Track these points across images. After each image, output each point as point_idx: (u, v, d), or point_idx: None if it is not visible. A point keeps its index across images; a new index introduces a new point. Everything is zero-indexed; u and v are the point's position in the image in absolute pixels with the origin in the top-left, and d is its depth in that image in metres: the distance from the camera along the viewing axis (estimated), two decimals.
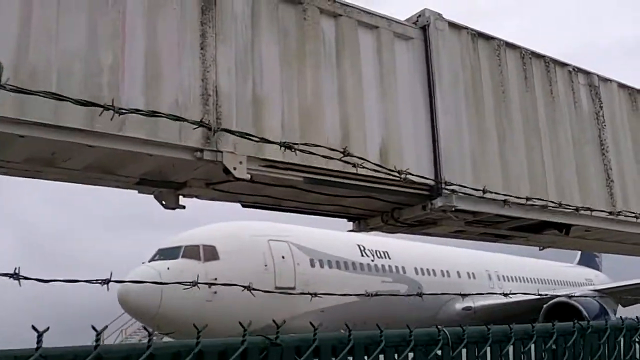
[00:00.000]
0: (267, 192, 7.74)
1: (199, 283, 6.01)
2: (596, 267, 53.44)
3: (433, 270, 29.17)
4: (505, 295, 6.91)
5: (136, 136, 6.05)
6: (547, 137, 9.37)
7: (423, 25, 8.49)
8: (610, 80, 10.69)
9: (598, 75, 10.48)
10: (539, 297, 26.09)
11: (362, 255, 25.82)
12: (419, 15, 8.56)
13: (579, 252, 49.68)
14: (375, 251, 26.55)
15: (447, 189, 7.87)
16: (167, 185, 7.32)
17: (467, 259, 32.30)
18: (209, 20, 6.66)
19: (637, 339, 4.27)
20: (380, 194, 8.10)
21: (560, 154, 9.45)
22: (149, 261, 21.26)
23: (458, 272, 30.73)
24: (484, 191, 7.79)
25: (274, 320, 2.61)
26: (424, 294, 6.23)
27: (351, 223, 9.40)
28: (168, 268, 20.03)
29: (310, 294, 5.88)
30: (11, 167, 6.44)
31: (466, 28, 8.90)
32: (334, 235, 24.56)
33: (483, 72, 8.88)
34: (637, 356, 4.26)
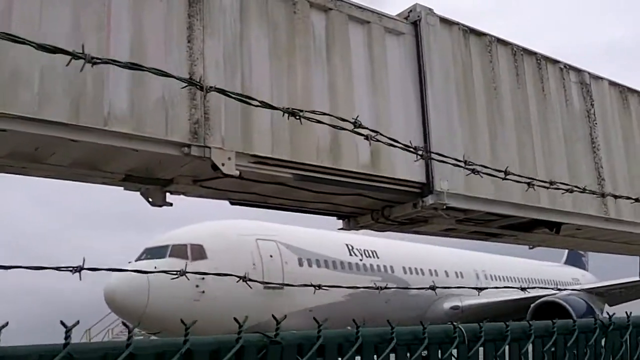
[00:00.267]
0: (256, 189, 7.61)
1: (187, 273, 5.78)
2: (583, 266, 53.67)
3: (421, 269, 29.15)
4: (478, 290, 6.84)
5: (121, 131, 5.93)
6: (539, 135, 9.31)
7: (414, 21, 8.39)
8: (602, 78, 10.65)
9: (589, 73, 10.43)
10: (526, 296, 26.18)
11: (351, 255, 25.76)
12: (410, 11, 8.47)
13: (566, 252, 49.95)
14: (364, 250, 26.50)
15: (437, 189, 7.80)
16: (153, 182, 7.20)
17: (454, 258, 32.32)
18: (197, 13, 6.53)
19: None
20: (370, 192, 8.00)
21: (551, 152, 9.39)
22: (136, 260, 21.09)
23: (446, 272, 30.74)
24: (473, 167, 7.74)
25: (273, 316, 2.36)
26: (437, 287, 6.09)
27: (341, 221, 9.29)
28: (155, 267, 19.83)
29: (315, 286, 5.75)
30: None
31: (457, 24, 8.81)
32: (322, 235, 24.50)
33: (474, 68, 8.80)
34: None
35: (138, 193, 7.41)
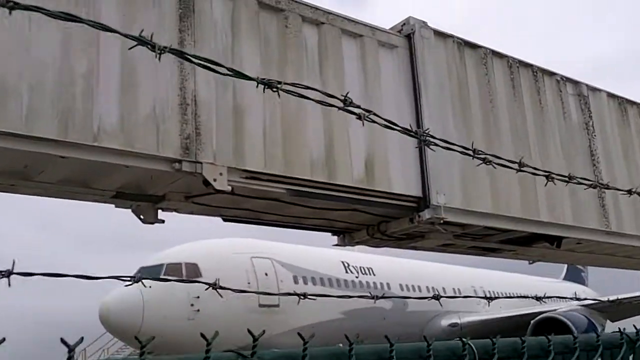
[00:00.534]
0: (249, 205, 7.50)
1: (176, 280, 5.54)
2: (582, 282, 53.40)
3: (418, 286, 28.92)
4: (489, 299, 6.57)
5: (111, 147, 5.84)
6: (537, 147, 9.21)
7: (408, 34, 8.32)
8: (600, 90, 10.58)
9: (587, 85, 10.35)
10: (525, 312, 25.97)
11: (347, 272, 25.57)
12: (404, 24, 8.40)
13: (565, 268, 49.73)
14: (360, 268, 26.31)
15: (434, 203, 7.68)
16: (145, 198, 7.10)
17: (452, 274, 32.12)
18: (188, 27, 6.46)
19: None
20: (366, 207, 7.88)
21: (550, 164, 9.27)
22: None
23: (444, 288, 30.46)
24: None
25: (249, 330, 2.15)
26: (442, 297, 5.84)
27: (336, 237, 9.15)
28: (150, 286, 19.65)
29: (319, 295, 5.58)
30: None
31: (452, 36, 8.74)
32: (317, 252, 24.34)
33: (470, 80, 8.72)
34: None
35: (129, 210, 7.30)
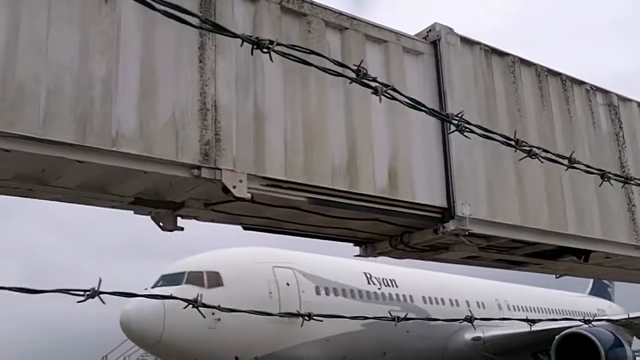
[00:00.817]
0: (269, 214, 7.38)
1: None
2: (609, 297, 52.53)
3: (442, 299, 28.56)
4: (530, 322, 6.25)
5: (130, 152, 5.76)
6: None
7: (434, 40, 8.16)
8: (630, 100, 10.32)
9: (617, 95, 10.11)
10: (551, 327, 25.49)
11: (369, 283, 25.32)
12: (430, 30, 8.24)
13: (591, 282, 48.94)
14: (382, 279, 26.05)
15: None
16: (164, 205, 7.02)
17: (476, 288, 31.69)
18: (208, 32, 6.34)
19: None
20: (389, 217, 7.71)
21: (578, 176, 9.03)
22: (152, 287, 20.85)
23: (467, 302, 30.08)
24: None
25: None
26: (475, 318, 5.47)
27: (357, 248, 8.98)
28: (171, 294, 19.59)
29: (336, 316, 5.39)
30: (0, 184, 6.12)
31: (479, 43, 8.56)
32: (340, 263, 24.15)
33: (497, 89, 8.52)
34: None
35: (148, 217, 7.21)
